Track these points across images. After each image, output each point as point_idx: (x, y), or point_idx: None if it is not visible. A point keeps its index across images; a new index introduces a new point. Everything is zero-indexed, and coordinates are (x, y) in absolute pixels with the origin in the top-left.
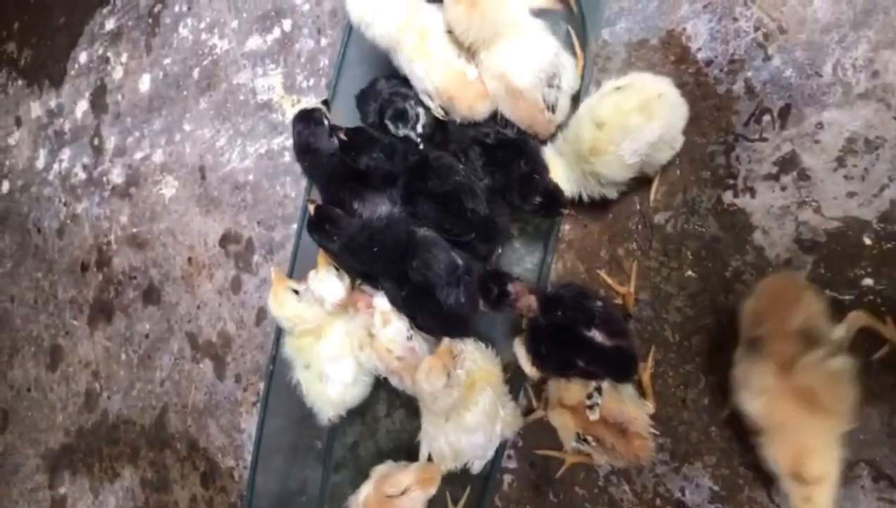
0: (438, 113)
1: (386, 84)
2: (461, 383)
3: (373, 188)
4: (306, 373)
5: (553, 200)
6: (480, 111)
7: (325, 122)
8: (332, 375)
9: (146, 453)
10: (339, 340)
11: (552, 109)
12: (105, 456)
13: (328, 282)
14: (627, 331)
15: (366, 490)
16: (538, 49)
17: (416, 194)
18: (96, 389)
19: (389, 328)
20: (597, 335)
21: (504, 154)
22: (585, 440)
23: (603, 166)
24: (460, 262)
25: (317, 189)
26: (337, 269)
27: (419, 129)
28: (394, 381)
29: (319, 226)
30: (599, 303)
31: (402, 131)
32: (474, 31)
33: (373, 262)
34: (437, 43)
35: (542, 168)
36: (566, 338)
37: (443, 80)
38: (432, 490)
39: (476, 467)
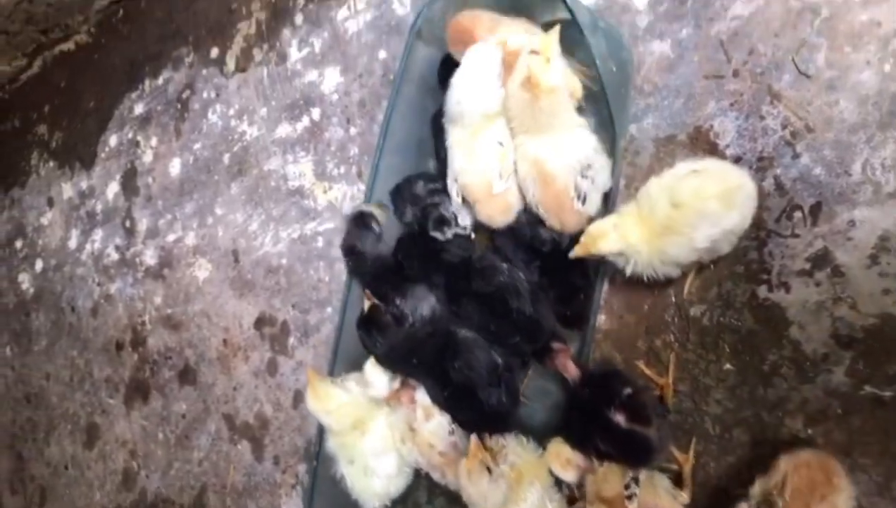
0: (456, 201)
1: (423, 186)
2: (506, 475)
3: (414, 283)
4: (351, 468)
5: (579, 319)
6: (499, 222)
7: (375, 228)
8: (376, 469)
9: None
10: (382, 433)
11: (583, 199)
12: None
13: (380, 377)
14: (651, 420)
15: None
16: (577, 140)
17: (460, 295)
18: (134, 468)
19: (431, 422)
20: (616, 417)
21: (557, 264)
22: None
23: (671, 246)
24: (500, 361)
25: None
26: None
27: (461, 221)
28: (435, 476)
29: (367, 328)
30: (629, 389)
31: (450, 233)
32: (527, 119)
33: (410, 372)
34: (484, 147)
35: (591, 291)
36: (587, 413)
37: (472, 181)
38: None
39: None
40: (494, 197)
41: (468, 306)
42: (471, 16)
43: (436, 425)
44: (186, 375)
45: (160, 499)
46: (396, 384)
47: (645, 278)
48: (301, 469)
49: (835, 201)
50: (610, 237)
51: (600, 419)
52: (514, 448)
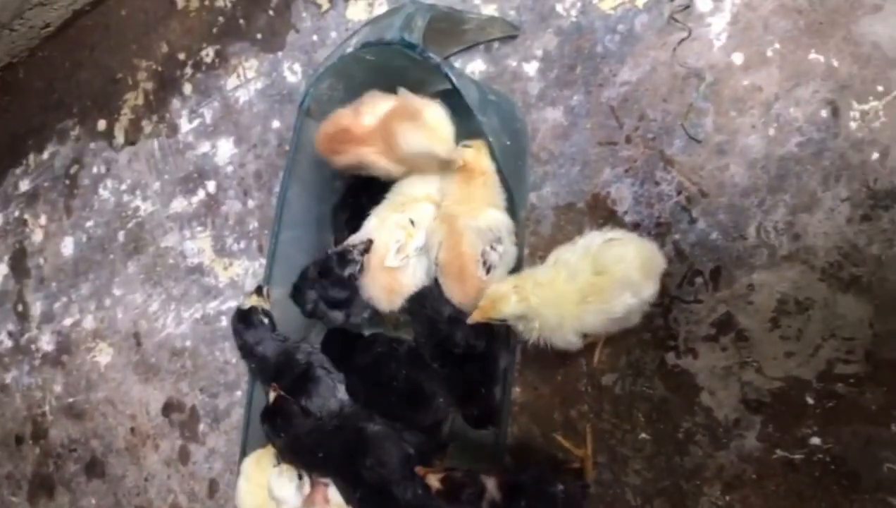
0: (355, 258)
1: (313, 268)
2: None
3: (319, 383)
4: None
5: (488, 417)
6: (382, 304)
7: (265, 321)
8: None
9: None
10: None
11: (487, 268)
12: None
13: (287, 487)
14: None
15: None
16: (494, 215)
17: (349, 372)
18: None
19: None
20: None
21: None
22: None
23: (590, 314)
24: (412, 451)
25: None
26: (300, 477)
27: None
28: None
29: (272, 419)
30: (560, 486)
31: (357, 255)
32: (459, 198)
33: (316, 466)
34: (397, 221)
35: (493, 385)
36: None
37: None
38: None
39: None
40: (383, 271)
41: (355, 381)
42: (335, 118)
43: None
44: (94, 467)
45: None
46: (307, 488)
47: (548, 348)
48: None
49: (733, 265)
50: (510, 300)
51: None
52: None
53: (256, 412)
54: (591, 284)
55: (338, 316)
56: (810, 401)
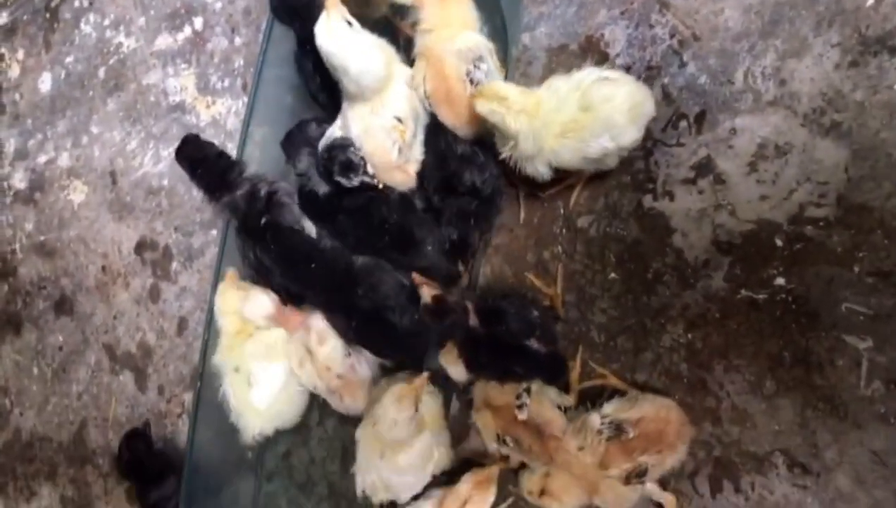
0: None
1: (315, 129)
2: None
3: (283, 208)
4: (235, 377)
5: (462, 250)
6: (399, 187)
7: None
8: (260, 377)
9: (65, 470)
10: (270, 340)
11: (475, 86)
12: (20, 475)
13: (255, 300)
14: (557, 336)
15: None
16: (469, 36)
17: (335, 213)
18: (6, 405)
19: (326, 346)
20: (533, 343)
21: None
22: (504, 440)
23: (564, 148)
24: (406, 282)
25: None
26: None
27: (370, 170)
28: (333, 402)
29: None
30: (536, 313)
31: (356, 180)
32: (435, 23)
33: (303, 283)
34: (381, 122)
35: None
36: (508, 349)
37: (370, 153)
38: (491, 495)
39: (403, 499)
40: (394, 169)
41: (344, 222)
42: None
43: (330, 348)
44: (63, 305)
45: (36, 437)
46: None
47: (516, 170)
48: (187, 398)
49: (718, 109)
50: (501, 107)
51: (521, 351)
52: (426, 400)
53: (231, 250)
54: (574, 119)
55: (320, 186)
56: (779, 243)
